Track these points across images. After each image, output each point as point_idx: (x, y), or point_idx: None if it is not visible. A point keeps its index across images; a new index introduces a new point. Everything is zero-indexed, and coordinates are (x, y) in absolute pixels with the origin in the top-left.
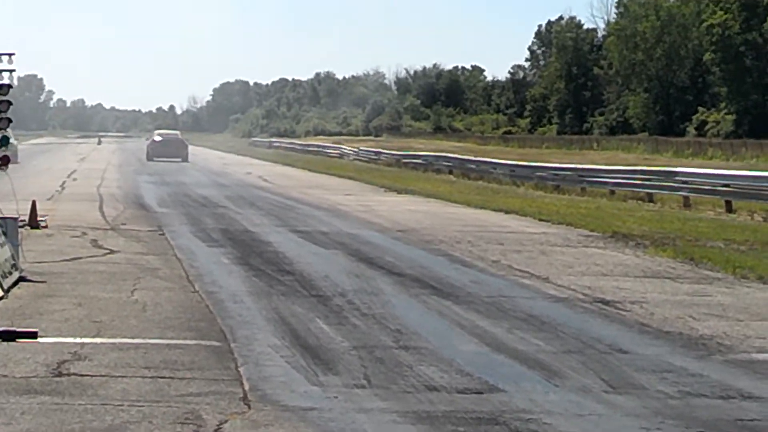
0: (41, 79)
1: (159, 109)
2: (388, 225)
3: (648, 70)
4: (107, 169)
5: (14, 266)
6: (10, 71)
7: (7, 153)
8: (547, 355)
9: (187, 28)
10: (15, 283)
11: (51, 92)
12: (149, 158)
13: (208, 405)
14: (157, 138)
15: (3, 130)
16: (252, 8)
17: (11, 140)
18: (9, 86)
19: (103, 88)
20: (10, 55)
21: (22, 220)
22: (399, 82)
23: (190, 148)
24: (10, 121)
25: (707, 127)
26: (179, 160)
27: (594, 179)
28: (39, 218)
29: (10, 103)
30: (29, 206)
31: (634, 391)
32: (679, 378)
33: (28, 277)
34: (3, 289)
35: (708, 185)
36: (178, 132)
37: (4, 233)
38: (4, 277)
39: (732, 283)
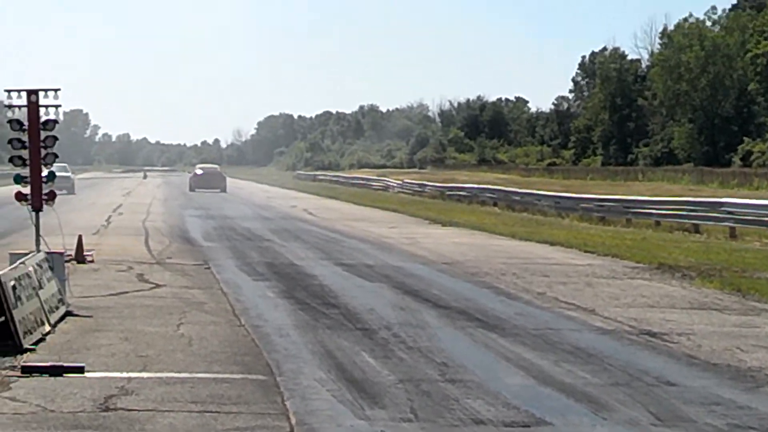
0: (86, 114)
1: (204, 142)
2: (433, 257)
3: (692, 100)
4: (152, 203)
5: (61, 301)
6: (56, 106)
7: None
8: (594, 387)
9: (232, 62)
10: (62, 318)
11: (96, 127)
12: (191, 189)
13: None
14: (199, 171)
15: (49, 166)
16: (295, 42)
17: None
18: (55, 121)
19: (148, 122)
20: (55, 90)
21: (68, 255)
22: (443, 114)
23: (235, 181)
24: (56, 156)
25: (753, 157)
26: (218, 190)
27: (639, 210)
28: (85, 253)
29: (56, 138)
30: (75, 241)
31: (683, 424)
32: (728, 410)
33: (75, 312)
34: (50, 324)
35: (754, 216)
36: (217, 166)
37: (51, 268)
38: (51, 311)
39: None
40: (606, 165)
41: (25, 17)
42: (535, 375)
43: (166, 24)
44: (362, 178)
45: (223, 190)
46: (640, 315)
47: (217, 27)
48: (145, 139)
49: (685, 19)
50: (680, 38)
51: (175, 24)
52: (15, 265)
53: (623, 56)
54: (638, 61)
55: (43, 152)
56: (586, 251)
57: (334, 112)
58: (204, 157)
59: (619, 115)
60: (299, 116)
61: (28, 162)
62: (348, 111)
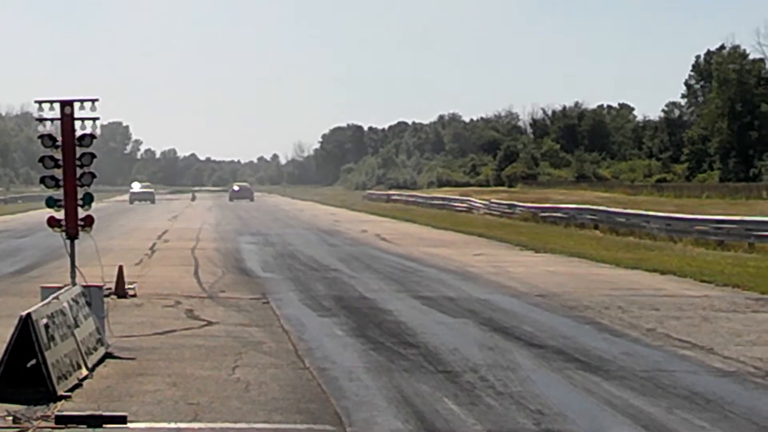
0: (127, 127)
1: (261, 159)
2: (525, 289)
3: None
4: (203, 228)
5: (100, 341)
6: (93, 119)
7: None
8: None
9: (292, 68)
10: (101, 361)
11: (138, 142)
12: (230, 199)
13: None
14: (236, 188)
15: (86, 187)
16: (364, 44)
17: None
18: (92, 136)
19: (196, 136)
20: (93, 101)
21: (108, 288)
22: (535, 124)
23: (294, 202)
24: (93, 176)
25: None
26: (248, 200)
27: (764, 233)
28: (127, 286)
29: (93, 155)
30: (116, 272)
31: None
32: None
33: (116, 354)
34: (87, 368)
35: None
36: (247, 183)
37: (89, 303)
38: (89, 353)
39: None
40: (724, 181)
41: (58, 20)
42: (645, 424)
43: (215, 24)
44: (443, 198)
45: (251, 200)
46: (765, 354)
47: (274, 27)
48: (193, 155)
49: None
50: None
51: (225, 24)
52: (48, 300)
53: (744, 55)
54: (761, 61)
55: (78, 172)
56: (702, 281)
57: (409, 122)
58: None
59: (739, 123)
60: (370, 128)
61: (61, 183)
62: (426, 122)
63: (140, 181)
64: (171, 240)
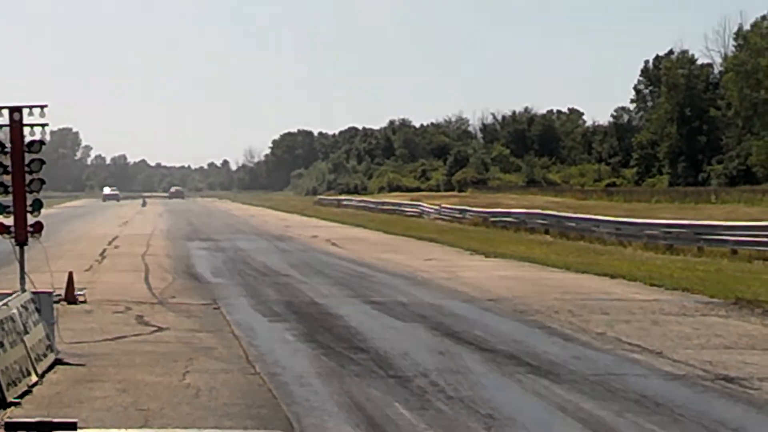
0: (77, 133)
1: (211, 164)
2: (476, 293)
3: None
4: (153, 234)
5: (49, 347)
6: (43, 125)
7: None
8: None
9: (242, 73)
10: (51, 367)
11: (88, 148)
12: (169, 198)
13: None
14: (172, 190)
15: (36, 193)
16: (314, 49)
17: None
18: (41, 142)
19: (146, 142)
20: (42, 107)
21: (57, 295)
22: (485, 129)
23: (246, 208)
24: (42, 182)
25: None
26: (181, 199)
27: (713, 237)
28: (77, 292)
29: (42, 161)
30: (65, 278)
31: None
32: None
33: (66, 360)
34: (37, 374)
35: None
36: (180, 186)
37: (38, 310)
38: (39, 360)
39: None
40: (674, 185)
41: (6, 26)
42: (595, 428)
43: (165, 30)
44: (393, 203)
45: (183, 198)
46: (714, 357)
47: (223, 33)
48: (143, 161)
49: (763, 18)
50: (758, 39)
51: (174, 30)
52: None
53: (693, 61)
54: (710, 65)
55: (28, 178)
56: (651, 285)
57: (360, 128)
58: (211, 181)
59: (688, 128)
60: (320, 133)
61: (10, 189)
62: (376, 127)
63: (110, 186)
64: (121, 246)
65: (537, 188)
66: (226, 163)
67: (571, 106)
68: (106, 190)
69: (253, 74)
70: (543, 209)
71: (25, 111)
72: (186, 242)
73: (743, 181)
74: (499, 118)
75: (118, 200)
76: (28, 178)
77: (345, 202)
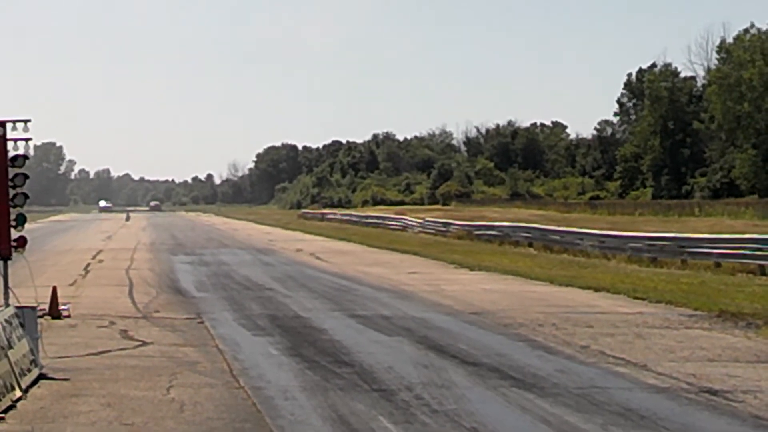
0: (60, 148)
1: (195, 178)
2: (460, 307)
3: (756, 123)
4: (137, 248)
5: (33, 362)
6: (26, 140)
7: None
8: None
9: (226, 87)
10: (35, 382)
11: (72, 162)
12: (150, 210)
13: None
14: (153, 203)
15: (19, 207)
16: (297, 63)
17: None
18: (25, 157)
19: (130, 156)
20: (25, 121)
21: (41, 310)
22: (469, 142)
23: (229, 222)
24: (26, 196)
25: None
26: (158, 212)
27: (696, 250)
28: (61, 307)
29: (26, 176)
30: (49, 293)
31: None
32: None
33: (50, 375)
34: (21, 389)
35: None
36: (158, 201)
37: (22, 325)
38: (23, 375)
39: None
40: (657, 198)
41: None
42: None
43: (149, 44)
44: (377, 217)
45: (161, 210)
46: (698, 370)
47: (207, 46)
48: (127, 175)
49: (746, 31)
50: (741, 52)
51: (159, 44)
52: None
53: (676, 73)
54: (693, 78)
55: (11, 192)
56: (635, 298)
57: (344, 141)
58: (195, 195)
59: (671, 141)
60: (304, 147)
61: None
62: (360, 140)
63: (105, 199)
64: (105, 260)
65: (521, 201)
66: (210, 176)
67: (554, 119)
68: (102, 203)
69: (238, 88)
70: (527, 222)
71: (9, 126)
72: (170, 256)
73: (727, 193)
74: (483, 131)
75: (110, 212)
76: (11, 192)
77: (329, 216)
